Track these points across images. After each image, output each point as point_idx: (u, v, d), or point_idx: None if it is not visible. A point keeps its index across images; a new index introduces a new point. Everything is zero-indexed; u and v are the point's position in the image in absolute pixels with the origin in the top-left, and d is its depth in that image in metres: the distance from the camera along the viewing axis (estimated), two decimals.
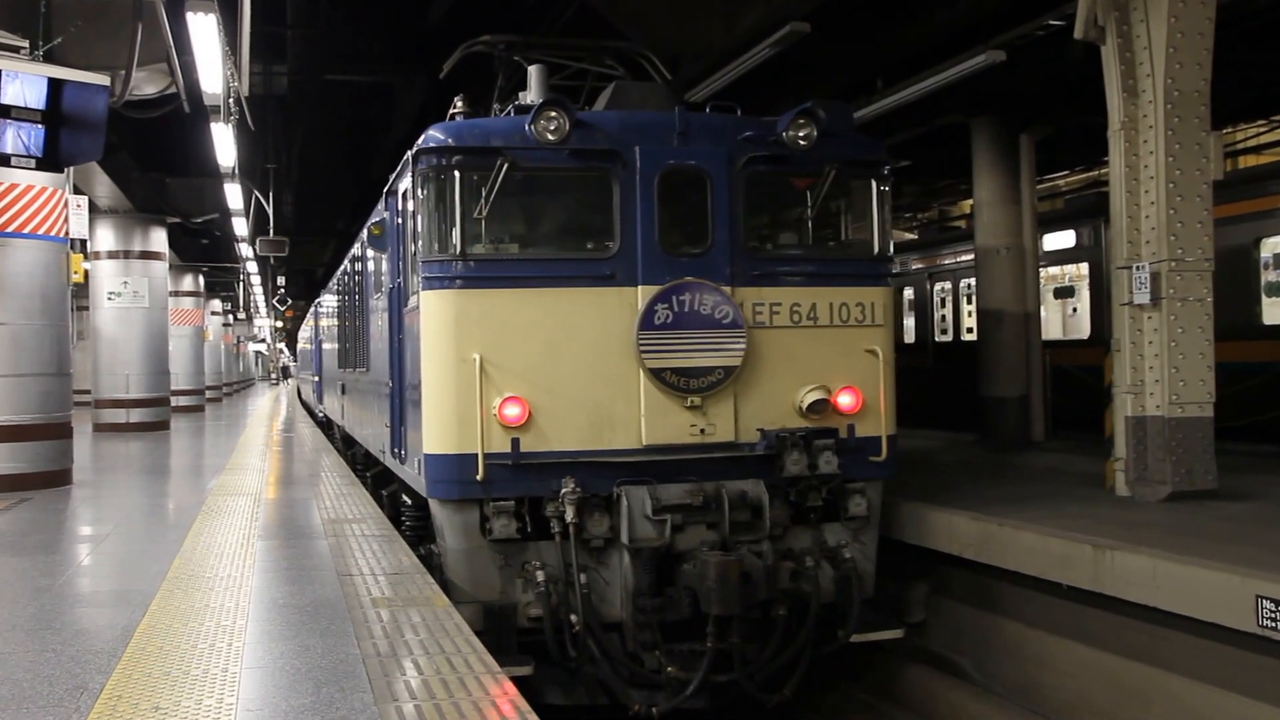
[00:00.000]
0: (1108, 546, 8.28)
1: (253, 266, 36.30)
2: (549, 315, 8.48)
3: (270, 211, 27.07)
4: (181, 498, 12.53)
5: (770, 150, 8.93)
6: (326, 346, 24.57)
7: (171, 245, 26.06)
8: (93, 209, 22.17)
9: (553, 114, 8.41)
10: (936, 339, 22.15)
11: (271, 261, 36.91)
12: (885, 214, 9.33)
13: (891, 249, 9.57)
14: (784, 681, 8.71)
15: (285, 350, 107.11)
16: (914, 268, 22.94)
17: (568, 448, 8.44)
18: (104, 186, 21.07)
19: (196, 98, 13.63)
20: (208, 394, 37.04)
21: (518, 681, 5.28)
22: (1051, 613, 9.06)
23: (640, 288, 8.55)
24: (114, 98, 11.85)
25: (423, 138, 8.69)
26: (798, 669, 8.72)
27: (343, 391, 18.54)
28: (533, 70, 9.80)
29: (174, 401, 26.72)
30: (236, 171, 19.21)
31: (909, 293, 23.17)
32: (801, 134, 8.91)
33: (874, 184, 9.32)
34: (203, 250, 33.36)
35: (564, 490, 8.27)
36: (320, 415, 28.60)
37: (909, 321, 23.28)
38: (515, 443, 8.37)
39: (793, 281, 9.00)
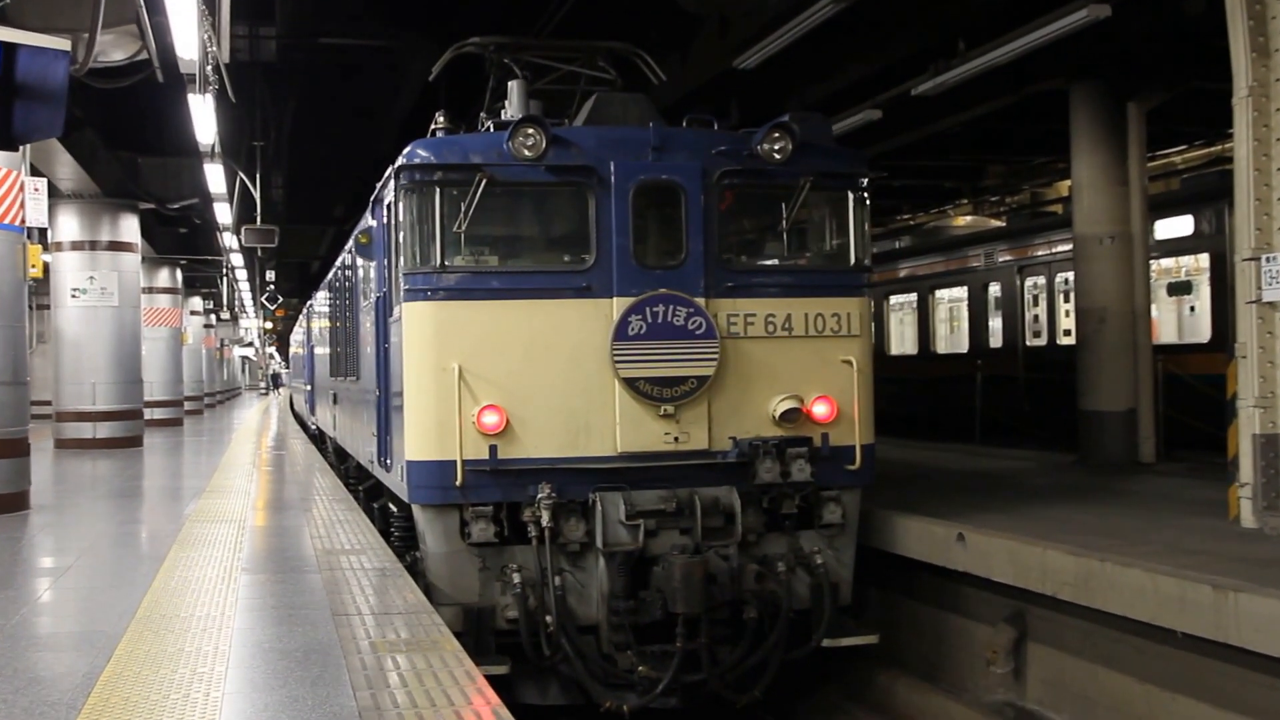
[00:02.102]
0: (1231, 587, 8.15)
1: (238, 259, 36.49)
2: (527, 326, 10.03)
3: (257, 196, 27.18)
4: (155, 525, 12.56)
5: (744, 164, 10.43)
6: (319, 352, 24.71)
7: (144, 235, 26.22)
8: (53, 193, 22.33)
9: (529, 131, 9.93)
10: (1027, 343, 21.98)
11: (259, 254, 37.15)
12: (862, 225, 10.88)
13: (869, 260, 11.10)
14: (757, 683, 10.20)
15: (276, 355, 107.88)
16: (1001, 260, 22.80)
17: (544, 455, 9.97)
18: (66, 167, 21.19)
19: (171, 65, 13.69)
20: (187, 405, 37.24)
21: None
22: (1164, 665, 8.94)
23: (615, 299, 10.07)
24: (76, 65, 11.90)
25: (404, 154, 10.20)
26: (767, 671, 10.17)
27: (335, 401, 19.35)
28: (513, 85, 11.25)
29: (147, 414, 26.82)
30: (218, 150, 19.29)
31: (995, 289, 23.03)
32: (776, 147, 10.38)
33: (850, 196, 10.84)
34: (180, 241, 33.54)
35: (540, 496, 9.80)
36: (313, 427, 28.78)
37: (994, 323, 23.13)
38: (493, 449, 9.87)
39: (767, 292, 10.51)
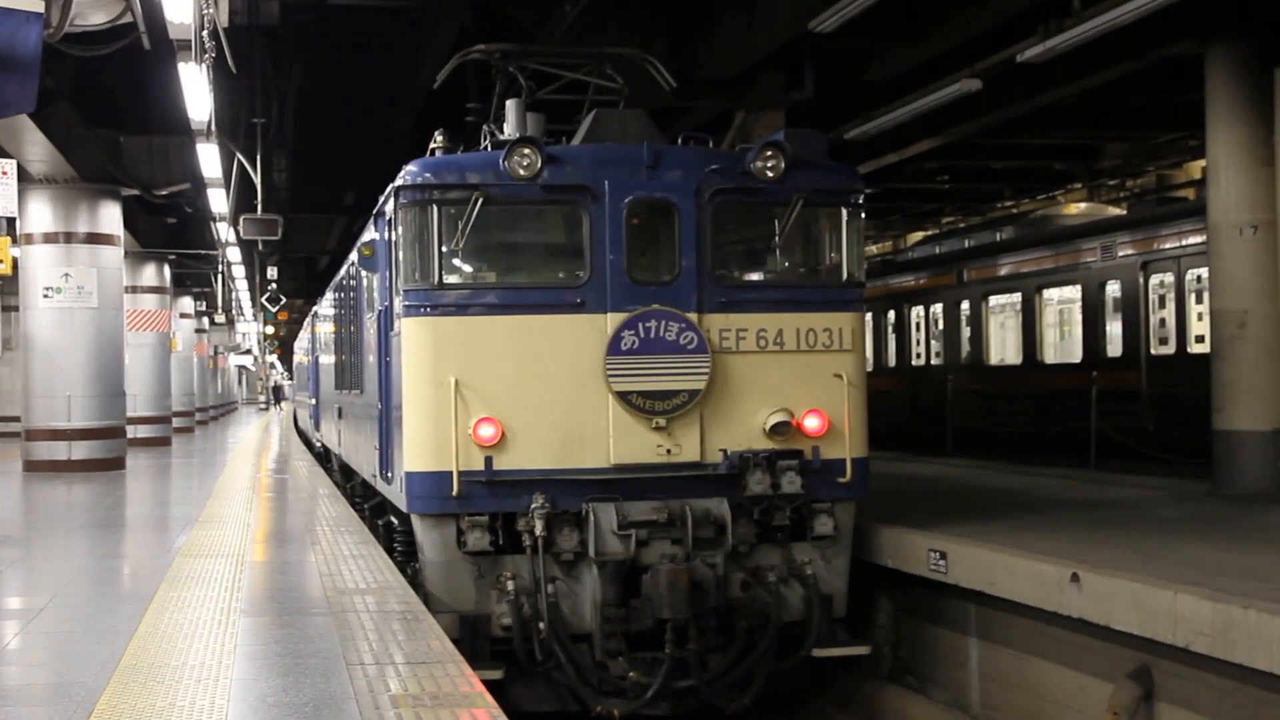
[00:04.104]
0: None
1: (235, 254, 36.75)
2: (522, 341, 11.76)
3: (258, 181, 27.33)
4: (140, 560, 12.64)
5: (737, 182, 12.13)
6: (324, 362, 25.03)
7: (128, 226, 26.42)
8: (23, 177, 22.51)
9: (525, 151, 11.60)
10: (1152, 351, 21.80)
11: (260, 248, 37.38)
12: (855, 241, 12.66)
13: (863, 274, 12.87)
14: (747, 691, 11.83)
15: (278, 364, 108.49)
16: (1121, 254, 22.62)
17: (539, 466, 11.67)
18: (37, 147, 21.36)
19: (159, 29, 13.77)
20: (176, 422, 37.55)
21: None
22: None
23: (609, 315, 11.76)
24: (50, 30, 11.99)
25: (403, 173, 12.04)
26: (757, 679, 11.83)
27: (339, 416, 20.75)
28: (510, 104, 13.07)
29: (131, 432, 27.04)
30: (213, 128, 19.43)
31: (1113, 288, 22.85)
32: (769, 165, 12.02)
33: (844, 212, 12.57)
34: (169, 233, 33.81)
35: (534, 506, 11.43)
36: (318, 445, 29.13)
37: (1113, 327, 22.95)
38: (488, 461, 11.60)
39: (760, 308, 12.22)
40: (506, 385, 11.69)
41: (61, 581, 11.08)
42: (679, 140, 12.92)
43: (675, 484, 11.84)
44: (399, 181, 12.10)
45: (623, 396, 11.70)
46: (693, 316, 11.86)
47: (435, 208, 11.83)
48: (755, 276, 13.26)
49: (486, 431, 11.56)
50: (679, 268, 11.95)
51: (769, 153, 12.04)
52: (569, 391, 11.75)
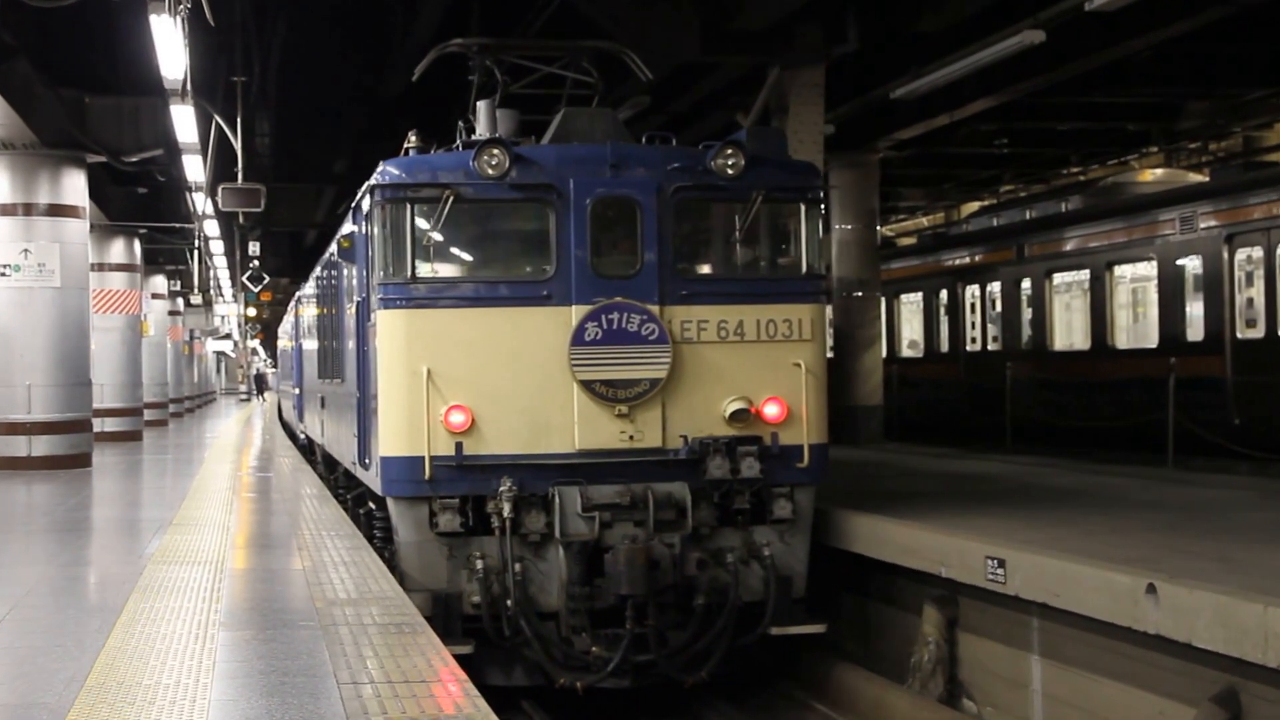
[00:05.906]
0: None
1: (213, 228, 36.76)
2: (491, 332, 13.54)
3: (238, 147, 27.37)
4: (108, 567, 12.66)
5: (698, 179, 13.93)
6: (308, 349, 25.34)
7: (93, 196, 26.40)
8: None
9: (493, 151, 13.34)
10: (1238, 335, 21.69)
11: (241, 221, 37.39)
12: (815, 235, 14.48)
13: (822, 267, 14.72)
14: (705, 666, 13.56)
15: (260, 351, 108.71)
16: (1202, 226, 22.51)
17: (507, 451, 13.42)
18: None
19: None
20: (147, 415, 37.57)
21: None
22: None
23: (574, 307, 13.51)
24: None
25: (377, 173, 13.84)
26: (714, 654, 13.54)
27: (322, 405, 22.19)
28: (481, 105, 14.91)
29: (98, 426, 27.06)
30: (189, 88, 19.41)
31: (1193, 264, 22.73)
32: (729, 163, 13.78)
33: (803, 208, 14.41)
34: (140, 204, 33.81)
35: (502, 489, 13.15)
36: (302, 437, 29.46)
37: (1193, 308, 22.84)
38: (459, 446, 13.32)
39: (721, 300, 14.04)
40: (476, 375, 13.42)
41: (21, 591, 11.10)
42: (643, 139, 14.61)
43: (638, 468, 13.57)
44: (374, 180, 13.86)
45: (587, 385, 13.42)
46: (654, 308, 13.56)
47: (409, 205, 13.59)
48: (716, 270, 15.08)
49: (457, 419, 13.27)
50: (641, 262, 13.68)
51: (729, 151, 13.78)
52: (536, 380, 13.47)
